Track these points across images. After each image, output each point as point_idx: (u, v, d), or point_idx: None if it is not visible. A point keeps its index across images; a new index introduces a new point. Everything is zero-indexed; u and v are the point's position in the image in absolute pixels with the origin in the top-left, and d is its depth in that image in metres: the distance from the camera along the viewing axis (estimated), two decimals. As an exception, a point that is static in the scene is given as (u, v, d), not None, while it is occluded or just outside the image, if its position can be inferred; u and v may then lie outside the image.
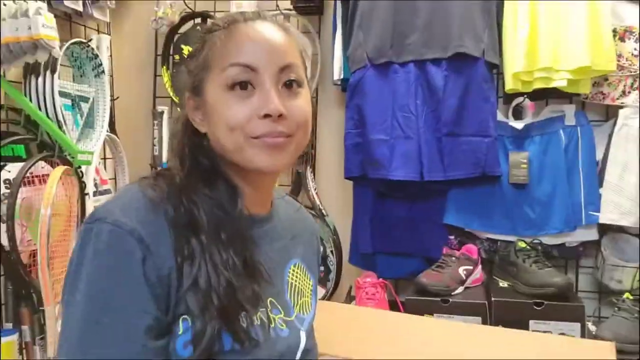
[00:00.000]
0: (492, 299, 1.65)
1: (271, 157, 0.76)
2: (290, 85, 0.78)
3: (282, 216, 0.92)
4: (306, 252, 0.95)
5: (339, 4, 1.96)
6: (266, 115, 0.74)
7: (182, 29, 2.20)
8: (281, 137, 0.76)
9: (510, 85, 1.75)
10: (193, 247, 0.72)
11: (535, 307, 1.61)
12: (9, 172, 1.60)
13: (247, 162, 0.77)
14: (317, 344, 0.93)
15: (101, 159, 2.08)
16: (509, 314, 1.62)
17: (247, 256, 0.76)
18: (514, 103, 1.87)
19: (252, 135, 0.75)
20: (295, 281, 0.90)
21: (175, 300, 0.70)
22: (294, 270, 0.90)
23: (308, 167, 1.99)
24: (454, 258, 1.74)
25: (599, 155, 1.81)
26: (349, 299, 1.89)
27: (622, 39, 1.76)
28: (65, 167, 1.69)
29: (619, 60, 1.73)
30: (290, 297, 0.87)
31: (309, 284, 0.94)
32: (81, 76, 1.93)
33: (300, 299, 0.89)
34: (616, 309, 1.68)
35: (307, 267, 0.94)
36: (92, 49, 1.89)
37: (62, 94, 1.76)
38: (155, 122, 2.18)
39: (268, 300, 0.81)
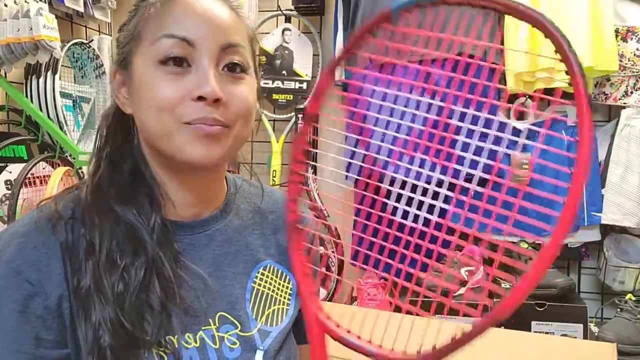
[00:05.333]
0: (494, 299, 1.64)
1: (204, 147, 0.65)
2: (233, 69, 0.67)
3: (242, 212, 0.80)
4: (285, 249, 0.80)
5: (340, 4, 1.96)
6: (200, 98, 0.64)
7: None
8: (217, 125, 0.65)
9: (512, 85, 1.75)
10: (85, 274, 0.64)
11: (537, 308, 1.61)
12: (10, 172, 1.60)
13: (176, 151, 0.65)
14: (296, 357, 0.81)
15: (102, 159, 2.08)
16: (511, 315, 1.61)
17: (161, 276, 0.66)
18: (516, 103, 1.86)
19: (183, 120, 0.64)
20: (264, 287, 0.77)
21: (71, 332, 0.64)
22: (263, 274, 0.78)
23: (309, 168, 1.99)
24: (455, 259, 1.74)
25: (601, 156, 1.80)
26: (351, 300, 1.89)
27: (624, 39, 1.75)
28: (67, 167, 1.69)
29: (621, 61, 1.73)
30: (253, 307, 0.75)
31: (286, 289, 0.80)
32: (82, 77, 1.93)
33: (269, 308, 0.77)
34: (619, 310, 1.68)
35: (285, 267, 0.80)
36: (93, 49, 1.89)
37: (63, 95, 1.76)
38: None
39: (217, 315, 0.71)
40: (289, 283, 0.80)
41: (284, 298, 0.79)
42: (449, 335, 0.52)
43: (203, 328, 0.69)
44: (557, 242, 0.48)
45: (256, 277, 0.77)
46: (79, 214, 0.68)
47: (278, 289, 0.79)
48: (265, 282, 0.78)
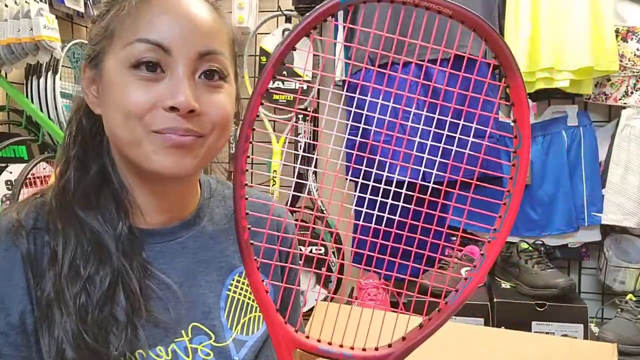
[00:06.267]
0: (495, 300, 1.64)
1: (173, 158, 0.61)
2: (210, 77, 0.63)
3: (217, 217, 0.76)
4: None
5: (340, 4, 1.96)
6: (172, 109, 0.60)
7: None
8: (189, 135, 0.61)
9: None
10: (47, 286, 0.61)
11: (537, 309, 1.61)
12: (11, 173, 1.60)
13: (144, 160, 0.62)
14: None
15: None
16: (512, 315, 1.61)
17: (126, 287, 0.63)
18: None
19: (152, 127, 0.60)
20: (240, 295, 0.74)
21: (36, 346, 0.61)
22: (238, 282, 0.74)
23: (310, 168, 1.99)
24: (456, 259, 1.74)
25: (602, 156, 1.80)
26: (351, 300, 1.89)
27: (624, 40, 1.75)
28: (67, 168, 1.69)
29: (621, 61, 1.73)
30: (228, 316, 0.72)
31: None
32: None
33: (245, 316, 0.73)
34: (619, 310, 1.68)
35: (261, 272, 0.78)
36: (94, 50, 1.89)
37: (64, 95, 1.76)
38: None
39: (190, 326, 0.68)
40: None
41: None
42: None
43: (175, 340, 0.67)
44: (509, 226, 0.55)
45: (231, 285, 0.74)
46: (42, 222, 0.65)
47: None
48: (241, 289, 0.74)
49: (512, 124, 0.53)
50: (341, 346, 0.54)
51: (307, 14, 0.50)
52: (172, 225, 0.71)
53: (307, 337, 0.55)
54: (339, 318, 0.58)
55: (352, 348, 0.54)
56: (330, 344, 0.54)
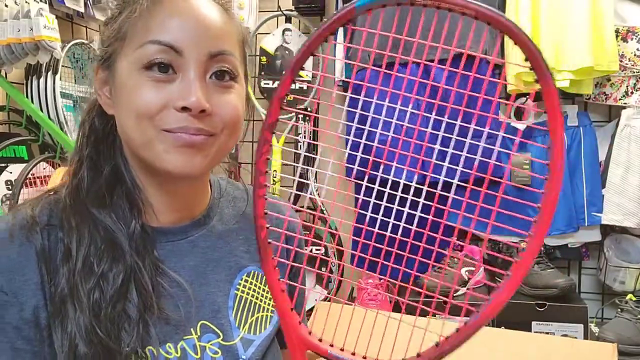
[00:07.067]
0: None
1: (184, 157, 0.62)
2: (221, 77, 0.65)
3: (226, 217, 0.77)
4: None
5: (340, 5, 1.96)
6: (184, 109, 0.61)
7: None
8: (200, 134, 0.62)
9: (512, 85, 1.75)
10: (61, 282, 0.62)
11: (537, 309, 1.61)
12: (11, 173, 1.60)
13: (156, 160, 0.63)
14: None
15: (103, 160, 2.07)
16: (512, 315, 1.61)
17: (139, 285, 0.64)
18: (516, 104, 1.87)
19: (163, 127, 0.62)
20: (248, 294, 0.75)
21: (49, 341, 0.62)
22: (246, 281, 0.75)
23: (310, 167, 1.99)
24: (456, 259, 1.74)
25: (602, 156, 1.81)
26: (351, 300, 1.89)
27: (624, 40, 1.75)
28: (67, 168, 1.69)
29: (621, 61, 1.73)
30: (236, 315, 0.73)
31: (271, 295, 0.87)
32: (82, 77, 1.93)
33: (253, 316, 0.74)
34: (619, 310, 1.68)
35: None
36: (94, 50, 1.89)
37: (64, 95, 1.76)
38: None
39: (199, 324, 0.69)
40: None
41: (268, 305, 0.77)
42: (435, 337, 0.52)
43: (184, 338, 0.68)
44: (538, 245, 0.53)
45: (239, 284, 0.75)
46: (56, 219, 0.66)
47: (262, 295, 0.76)
48: (249, 289, 0.75)
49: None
50: (353, 354, 0.54)
51: (324, 20, 0.50)
52: (183, 224, 0.72)
53: (320, 340, 0.55)
54: (340, 319, 0.58)
55: (364, 357, 0.54)
56: (342, 350, 0.54)
